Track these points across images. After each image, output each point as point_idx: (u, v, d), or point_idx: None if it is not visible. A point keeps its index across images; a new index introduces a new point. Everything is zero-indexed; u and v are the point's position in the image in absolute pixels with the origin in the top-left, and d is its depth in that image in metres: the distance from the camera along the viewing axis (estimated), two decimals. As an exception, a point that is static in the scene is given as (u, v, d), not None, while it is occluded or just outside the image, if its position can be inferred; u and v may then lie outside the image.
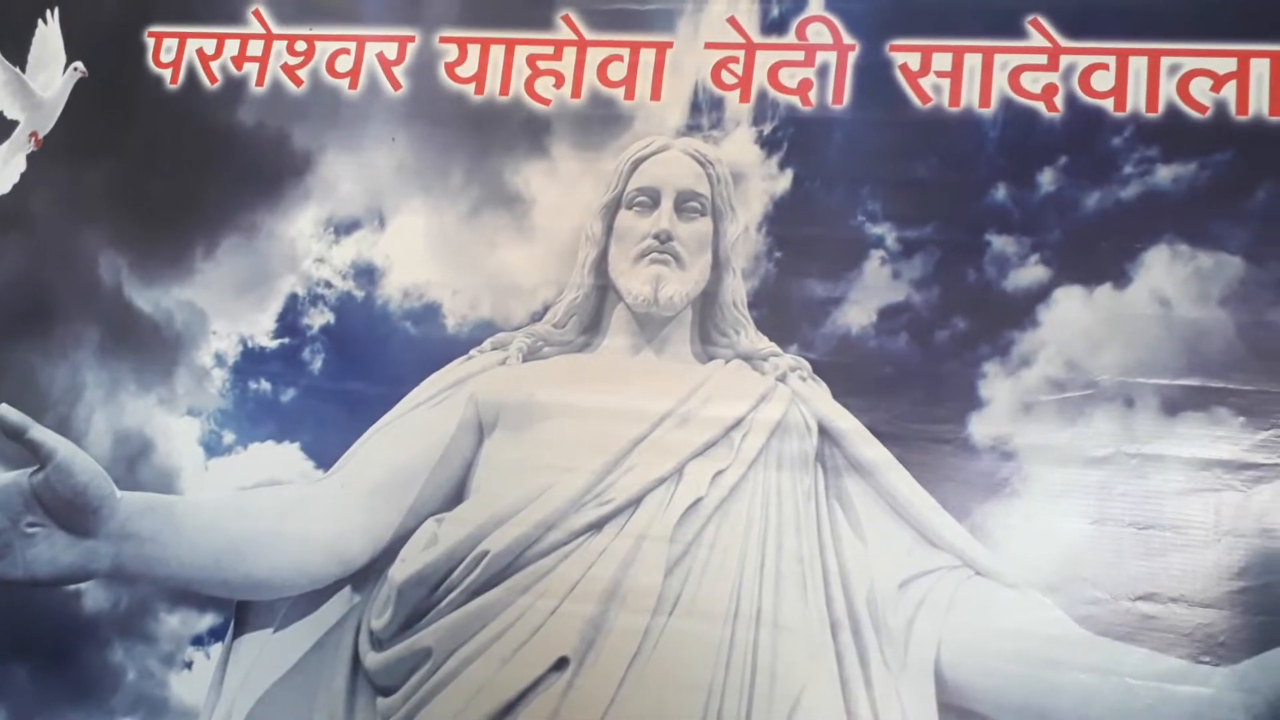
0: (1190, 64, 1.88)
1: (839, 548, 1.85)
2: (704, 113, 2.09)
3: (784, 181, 2.03)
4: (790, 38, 2.07)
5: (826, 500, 1.89)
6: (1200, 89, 1.87)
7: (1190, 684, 1.64)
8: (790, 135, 2.04)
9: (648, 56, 2.13)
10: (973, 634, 1.75)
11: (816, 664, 1.78)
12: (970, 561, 1.80)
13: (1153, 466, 1.76)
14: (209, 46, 2.36)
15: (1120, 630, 1.70)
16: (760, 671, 1.78)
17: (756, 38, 2.09)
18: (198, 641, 2.10)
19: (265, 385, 2.19)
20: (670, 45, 2.12)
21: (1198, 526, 1.72)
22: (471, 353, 2.08)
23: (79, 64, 2.40)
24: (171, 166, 2.33)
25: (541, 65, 2.18)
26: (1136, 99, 1.90)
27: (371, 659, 1.90)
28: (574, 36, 2.17)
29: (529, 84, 2.18)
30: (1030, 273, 1.89)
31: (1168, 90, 1.88)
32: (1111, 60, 1.91)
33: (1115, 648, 1.69)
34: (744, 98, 2.07)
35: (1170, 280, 1.83)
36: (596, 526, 1.87)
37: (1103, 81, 1.91)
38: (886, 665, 1.77)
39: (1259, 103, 1.84)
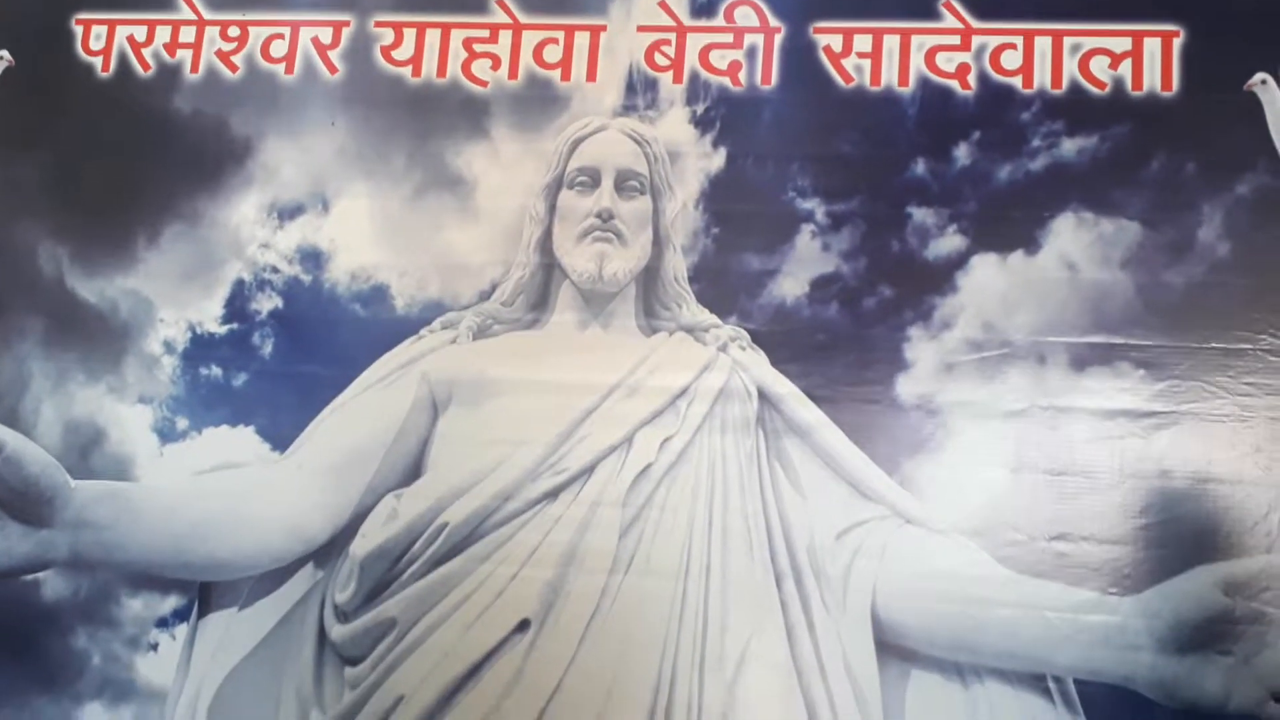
0: (1090, 43, 2.00)
1: (780, 504, 1.95)
2: (639, 93, 2.13)
3: (718, 159, 2.09)
4: (719, 20, 2.13)
5: (768, 460, 1.98)
6: (1100, 67, 1.99)
7: (1100, 613, 1.77)
8: (722, 115, 2.09)
9: (582, 39, 2.16)
10: (905, 577, 1.86)
11: (763, 613, 1.88)
12: (901, 511, 1.91)
13: (1063, 418, 1.89)
14: (139, 33, 2.30)
15: (1038, 568, 1.84)
16: (711, 623, 1.86)
17: (687, 20, 2.14)
18: (162, 624, 2.09)
19: (216, 370, 2.17)
20: (604, 28, 2.16)
21: (1104, 471, 1.86)
22: (422, 332, 2.10)
23: (5, 52, 2.32)
24: (108, 155, 2.28)
25: (478, 48, 2.19)
26: (1043, 76, 2.00)
27: (337, 631, 1.94)
28: (509, 20, 2.19)
29: (465, 66, 2.19)
30: (949, 242, 1.99)
31: (1070, 68, 1.99)
32: (1019, 40, 2.02)
33: (1034, 584, 1.82)
34: (677, 79, 2.12)
35: (1076, 245, 1.95)
36: (552, 495, 1.93)
37: (1011, 60, 2.01)
38: (827, 610, 1.87)
39: (1152, 79, 1.97)
